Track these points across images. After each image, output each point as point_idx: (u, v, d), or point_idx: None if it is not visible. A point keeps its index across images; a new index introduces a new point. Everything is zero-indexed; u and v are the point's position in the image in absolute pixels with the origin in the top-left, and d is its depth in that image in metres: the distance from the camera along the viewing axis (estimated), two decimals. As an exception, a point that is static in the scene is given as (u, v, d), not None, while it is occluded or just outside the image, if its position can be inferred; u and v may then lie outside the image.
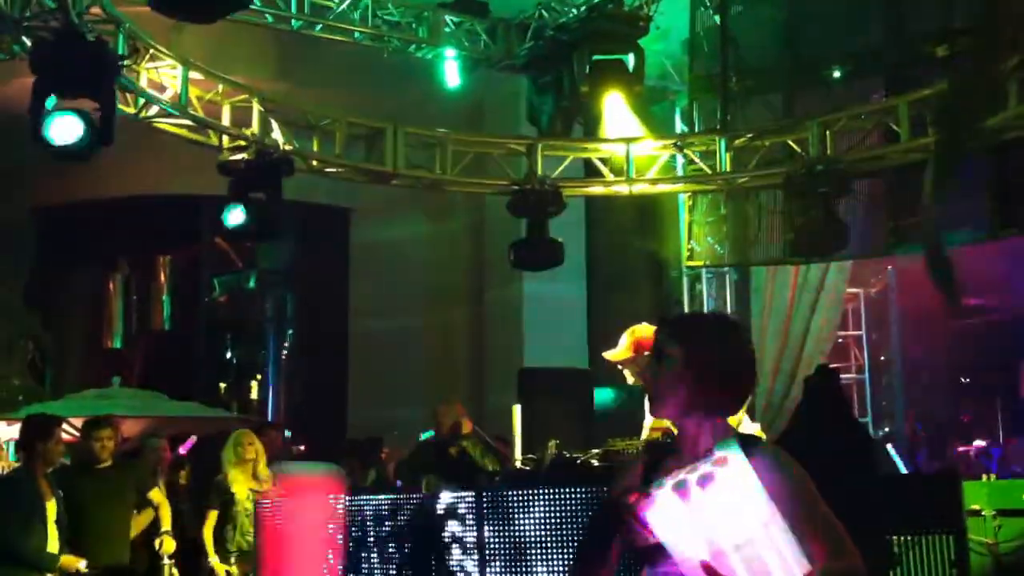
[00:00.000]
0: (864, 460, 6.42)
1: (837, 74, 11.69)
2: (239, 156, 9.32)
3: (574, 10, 11.43)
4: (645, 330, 5.59)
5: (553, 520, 5.14)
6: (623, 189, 11.42)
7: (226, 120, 9.60)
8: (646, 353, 5.66)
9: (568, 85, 11.58)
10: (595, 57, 11.07)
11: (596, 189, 11.66)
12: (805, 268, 11.86)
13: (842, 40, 11.53)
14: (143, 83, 9.10)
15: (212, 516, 7.47)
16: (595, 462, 5.59)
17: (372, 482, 9.30)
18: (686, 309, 12.02)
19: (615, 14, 11.07)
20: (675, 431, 2.55)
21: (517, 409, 6.92)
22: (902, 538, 5.19)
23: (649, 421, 5.44)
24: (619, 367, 5.75)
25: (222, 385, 14.06)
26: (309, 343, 14.44)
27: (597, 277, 12.39)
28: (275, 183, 9.32)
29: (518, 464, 6.57)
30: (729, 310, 12.30)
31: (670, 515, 2.18)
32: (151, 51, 9.08)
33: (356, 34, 11.31)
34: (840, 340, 12.38)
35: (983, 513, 7.29)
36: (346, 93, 11.78)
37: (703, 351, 2.45)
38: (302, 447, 11.87)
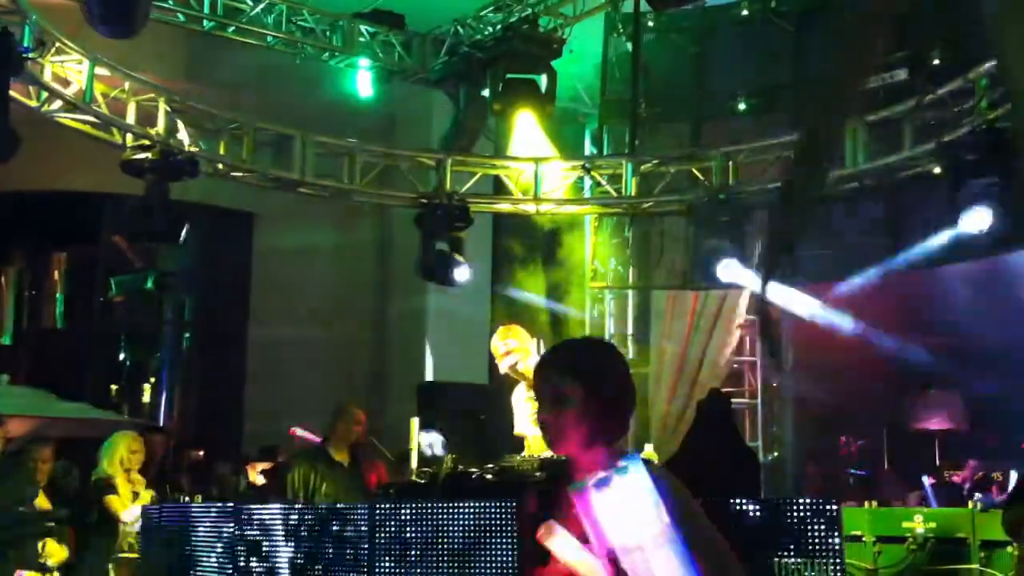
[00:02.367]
0: (750, 484, 6.60)
1: (743, 107, 11.99)
2: (143, 155, 9.17)
3: (490, 28, 11.54)
4: (517, 335, 5.89)
5: (445, 534, 5.16)
6: (530, 208, 11.53)
7: (131, 118, 9.44)
8: (513, 353, 5.96)
9: (480, 102, 11.68)
10: (508, 76, 11.18)
11: (503, 207, 11.75)
12: (704, 294, 12.09)
13: (749, 74, 11.83)
14: (47, 77, 8.91)
15: (114, 501, 7.31)
16: (490, 476, 5.65)
17: (244, 490, 9.23)
18: (587, 329, 12.14)
19: (530, 35, 11.19)
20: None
21: (415, 422, 6.93)
22: (783, 562, 5.33)
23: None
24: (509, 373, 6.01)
25: (114, 387, 13.76)
26: (206, 348, 14.21)
27: (501, 294, 12.46)
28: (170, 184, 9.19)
29: (414, 477, 6.59)
30: (629, 332, 12.49)
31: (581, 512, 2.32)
32: (57, 44, 8.90)
33: (269, 38, 11.25)
34: (736, 366, 12.61)
35: (864, 539, 7.51)
36: (256, 98, 11.66)
37: (601, 387, 2.51)
38: (200, 452, 11.67)
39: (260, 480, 9.44)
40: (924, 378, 14.22)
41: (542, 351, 6.24)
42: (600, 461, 2.47)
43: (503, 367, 6.09)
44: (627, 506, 2.29)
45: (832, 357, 12.99)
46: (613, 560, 2.27)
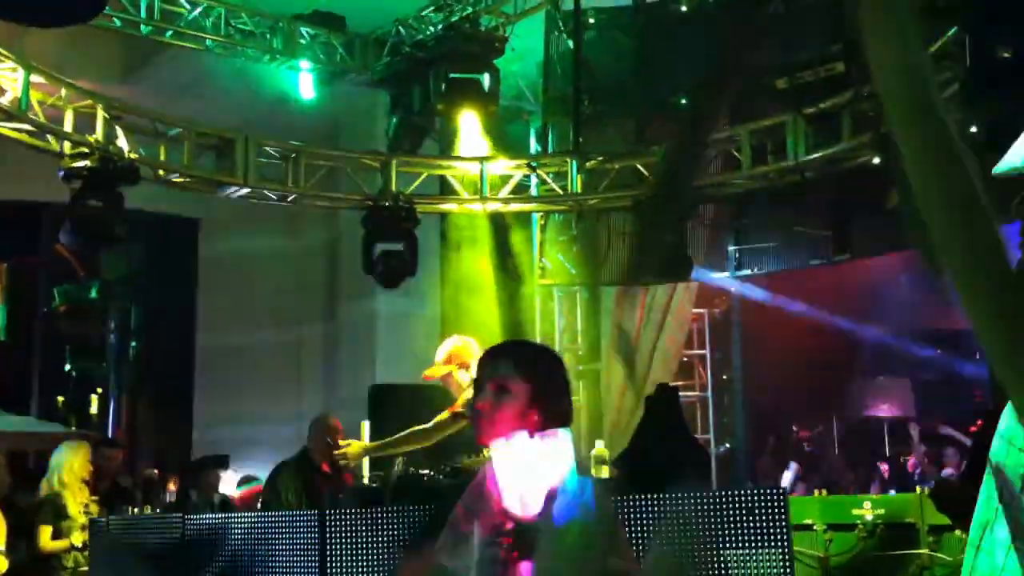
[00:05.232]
0: (699, 476, 6.64)
1: (684, 102, 12.04)
2: (82, 163, 9.03)
3: (431, 28, 11.51)
4: (457, 345, 5.86)
5: (398, 537, 5.14)
6: (477, 207, 11.53)
7: (68, 126, 9.30)
8: (459, 368, 5.93)
9: (423, 102, 11.65)
10: (451, 75, 11.17)
11: (450, 207, 11.73)
12: (653, 289, 12.16)
13: (691, 70, 11.90)
14: (-21, 85, 8.77)
15: (46, 532, 7.22)
16: (442, 478, 5.64)
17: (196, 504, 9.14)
18: (537, 327, 12.16)
19: (472, 34, 11.19)
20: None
21: (366, 425, 6.91)
22: (732, 552, 5.37)
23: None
24: (440, 383, 5.97)
25: (60, 399, 13.56)
26: (154, 357, 14.04)
27: (451, 294, 12.44)
28: (116, 191, 9.07)
29: (365, 480, 6.57)
30: (579, 328, 12.51)
31: None
32: (-10, 51, 8.76)
33: (208, 42, 11.13)
34: (685, 359, 12.71)
35: (815, 527, 7.60)
36: (196, 102, 11.53)
37: (545, 387, 2.55)
38: (155, 471, 11.52)
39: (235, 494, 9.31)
40: (873, 366, 14.46)
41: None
42: None
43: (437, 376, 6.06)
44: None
45: (781, 347, 13.14)
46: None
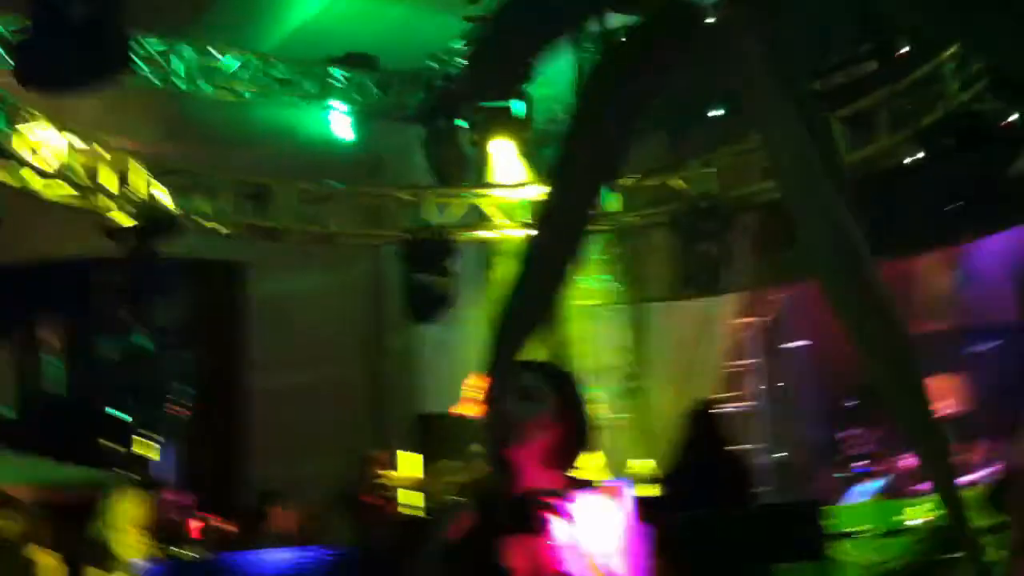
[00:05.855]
0: (740, 491, 6.64)
1: (720, 112, 12.02)
2: (127, 221, 9.30)
3: (460, 59, 11.64)
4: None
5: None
6: (516, 233, 11.61)
7: (110, 183, 9.57)
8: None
9: (459, 134, 11.79)
10: (483, 104, 11.29)
11: (489, 234, 11.83)
12: (698, 302, 12.14)
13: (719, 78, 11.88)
14: (24, 152, 9.05)
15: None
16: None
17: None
18: (582, 348, 12.18)
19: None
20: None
21: (402, 455, 7.02)
22: (774, 565, 5.38)
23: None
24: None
25: (122, 449, 13.81)
26: (208, 402, 14.27)
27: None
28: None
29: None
30: (626, 346, 12.52)
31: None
32: (29, 116, 9.04)
33: (245, 93, 11.36)
34: (736, 369, 12.64)
35: (864, 534, 7.55)
36: (237, 151, 11.75)
37: (572, 407, 2.50)
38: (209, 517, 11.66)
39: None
40: (925, 364, 14.26)
41: None
42: (558, 482, 2.44)
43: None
44: (602, 521, 2.36)
45: (833, 350, 13.00)
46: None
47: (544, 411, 2.45)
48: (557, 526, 2.34)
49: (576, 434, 2.50)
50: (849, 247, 1.35)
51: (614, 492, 2.40)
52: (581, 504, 2.37)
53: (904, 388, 1.36)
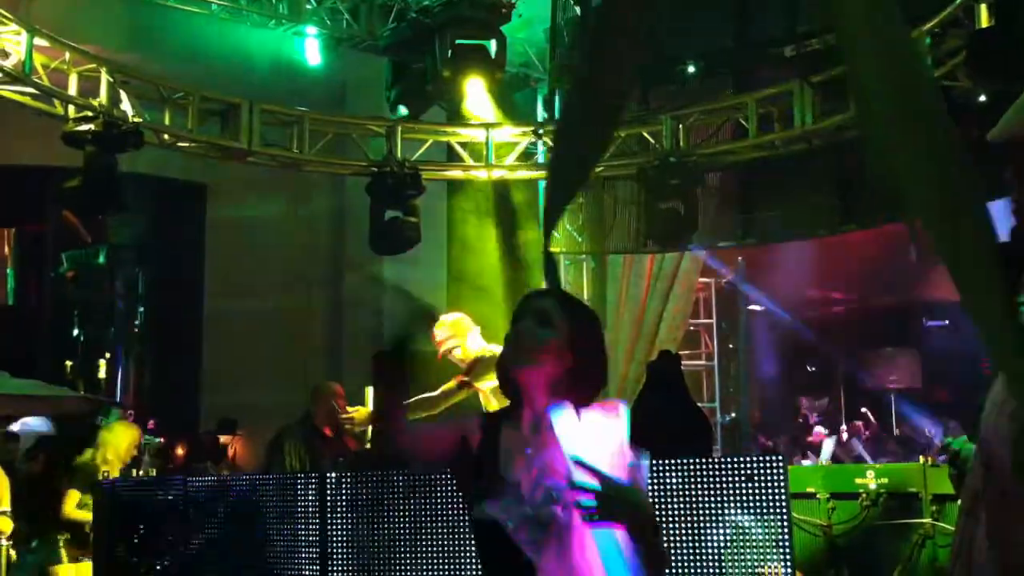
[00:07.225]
0: (700, 442, 6.65)
1: (692, 70, 11.96)
2: (85, 127, 9.01)
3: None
4: (452, 320, 5.98)
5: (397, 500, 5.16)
6: (482, 174, 11.49)
7: (73, 90, 9.27)
8: (455, 342, 6.07)
9: (429, 69, 11.56)
10: (457, 42, 11.07)
11: (455, 173, 11.70)
12: (660, 257, 12.13)
13: (696, 38, 11.81)
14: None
15: (73, 497, 7.24)
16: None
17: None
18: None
19: (478, 0, 11.09)
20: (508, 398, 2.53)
21: (370, 391, 6.91)
22: (731, 519, 5.37)
23: None
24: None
25: (68, 363, 13.62)
26: (161, 322, 14.07)
27: (456, 261, 12.41)
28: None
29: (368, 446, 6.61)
30: (585, 297, 12.49)
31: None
32: (-7, 15, 8.72)
33: (213, 7, 11.08)
34: (692, 328, 12.70)
35: (818, 496, 7.63)
36: (202, 67, 11.48)
37: (585, 336, 2.44)
38: (150, 423, 11.57)
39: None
40: (881, 337, 14.43)
41: (481, 339, 6.35)
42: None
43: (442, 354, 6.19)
44: (601, 436, 2.34)
45: (787, 318, 13.15)
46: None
47: (557, 337, 2.40)
48: (559, 439, 2.31)
49: (588, 367, 2.44)
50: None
51: (612, 408, 2.39)
52: (582, 418, 2.36)
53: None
